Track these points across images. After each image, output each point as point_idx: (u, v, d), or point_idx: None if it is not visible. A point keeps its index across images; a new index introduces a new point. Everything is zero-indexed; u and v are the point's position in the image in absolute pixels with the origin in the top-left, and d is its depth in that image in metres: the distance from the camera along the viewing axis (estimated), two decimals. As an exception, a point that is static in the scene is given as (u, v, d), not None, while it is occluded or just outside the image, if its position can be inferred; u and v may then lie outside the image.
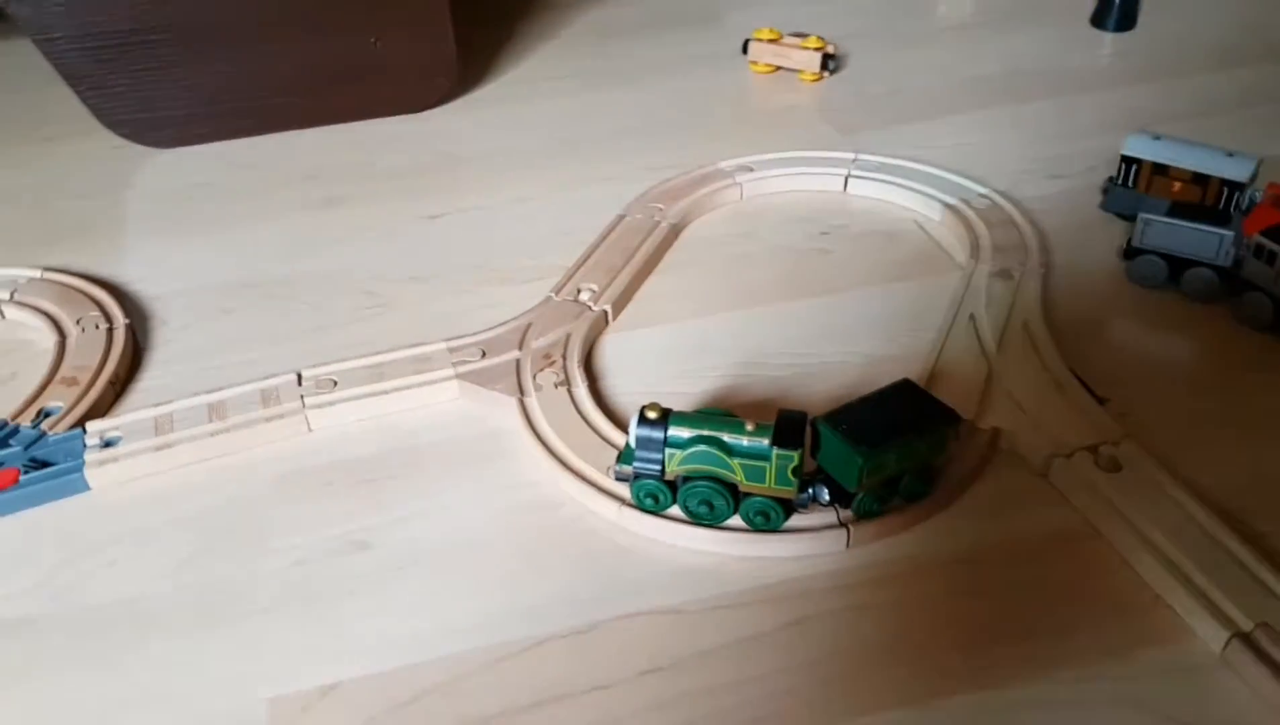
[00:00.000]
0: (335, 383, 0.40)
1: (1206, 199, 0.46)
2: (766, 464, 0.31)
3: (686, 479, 0.32)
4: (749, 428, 0.32)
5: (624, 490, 0.34)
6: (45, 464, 0.37)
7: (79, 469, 0.37)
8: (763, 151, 0.55)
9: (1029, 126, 0.58)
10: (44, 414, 0.40)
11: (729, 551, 0.33)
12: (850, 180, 0.53)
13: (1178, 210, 0.43)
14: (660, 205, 0.51)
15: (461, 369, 0.40)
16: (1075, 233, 0.48)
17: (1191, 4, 0.72)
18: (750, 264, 0.48)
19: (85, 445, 0.38)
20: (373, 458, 0.38)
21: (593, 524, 0.34)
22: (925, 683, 0.29)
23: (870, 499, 0.32)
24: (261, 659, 0.30)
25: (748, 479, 0.32)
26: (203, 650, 0.31)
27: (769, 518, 0.33)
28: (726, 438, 0.32)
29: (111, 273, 0.50)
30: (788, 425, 0.32)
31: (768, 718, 0.28)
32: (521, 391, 0.39)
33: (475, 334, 0.43)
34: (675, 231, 0.50)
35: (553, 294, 0.45)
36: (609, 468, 0.35)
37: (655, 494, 0.33)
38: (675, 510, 0.33)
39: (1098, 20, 0.70)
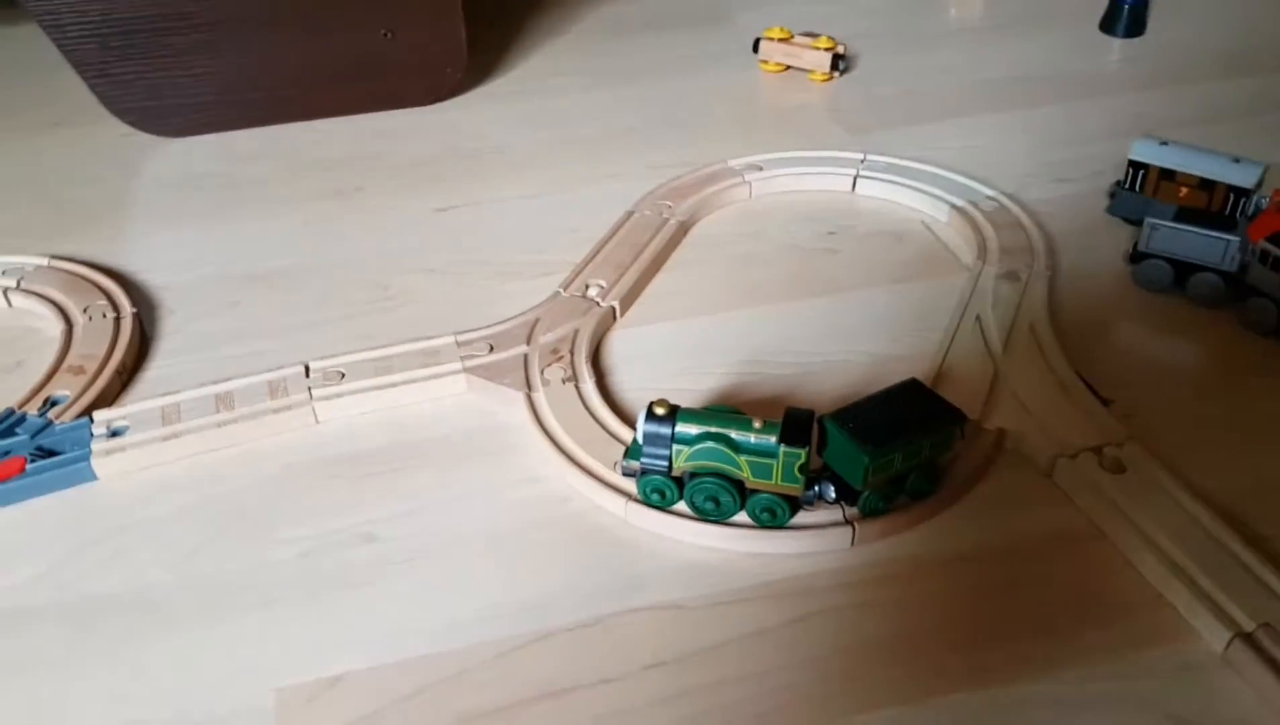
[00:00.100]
0: (343, 375, 0.40)
1: (1213, 204, 0.46)
2: (773, 461, 0.31)
3: (693, 475, 0.33)
4: (756, 425, 0.32)
5: (631, 485, 0.34)
6: (52, 453, 0.37)
7: (86, 458, 0.37)
8: (772, 150, 0.55)
9: (1037, 130, 0.58)
10: (51, 403, 0.40)
11: (735, 548, 0.33)
12: (859, 180, 0.53)
13: (1184, 215, 0.43)
14: (669, 202, 0.51)
15: (469, 363, 0.40)
16: (1082, 236, 0.48)
17: (1201, 11, 0.72)
18: (758, 262, 0.48)
19: (92, 434, 0.38)
20: (379, 450, 0.38)
21: (599, 519, 0.34)
22: (928, 680, 0.29)
23: (876, 497, 0.33)
24: (268, 650, 0.31)
25: (754, 476, 0.32)
26: (209, 641, 0.31)
27: (775, 514, 0.33)
28: (734, 434, 0.32)
29: (118, 261, 0.50)
30: (795, 423, 0.32)
31: (771, 713, 0.28)
32: (529, 386, 0.39)
33: (483, 328, 0.43)
34: (684, 229, 0.50)
35: (561, 289, 0.45)
36: (616, 463, 0.35)
37: (662, 489, 0.33)
38: (682, 506, 0.34)
39: (1107, 26, 0.70)
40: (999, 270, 0.45)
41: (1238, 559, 0.31)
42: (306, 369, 0.40)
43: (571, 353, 0.41)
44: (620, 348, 0.43)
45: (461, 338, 0.42)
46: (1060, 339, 0.40)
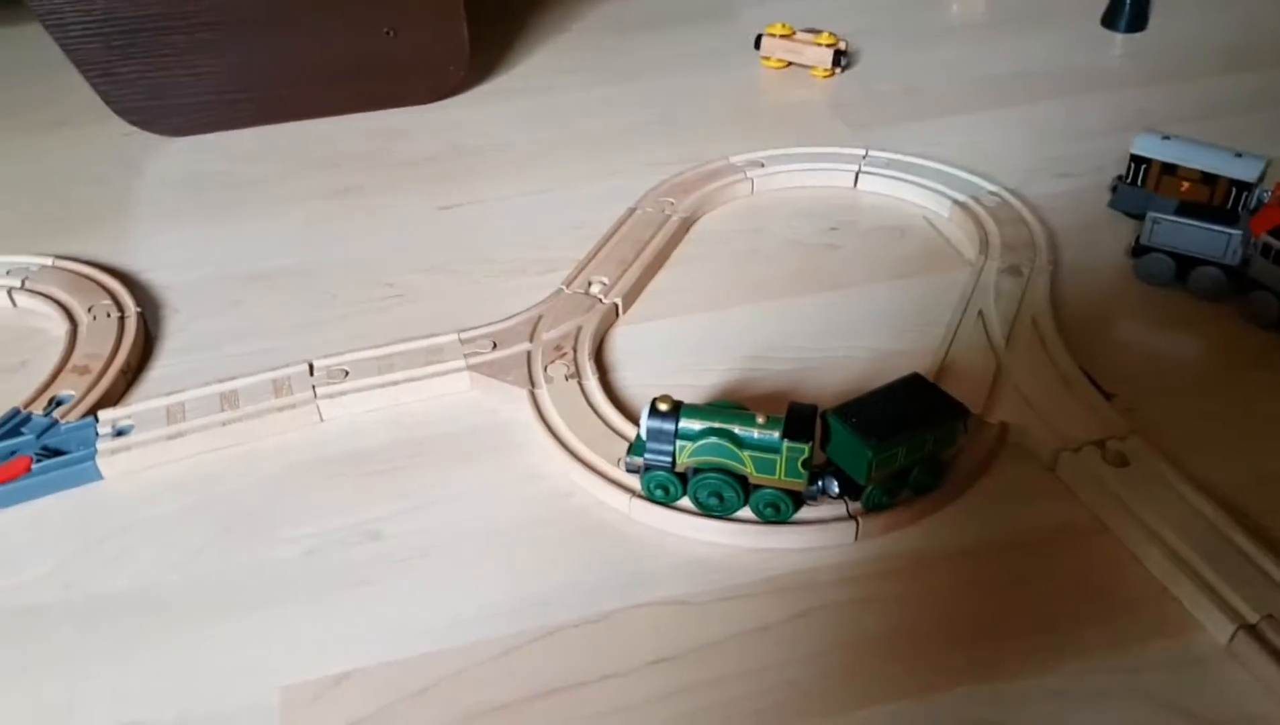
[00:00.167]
0: (347, 373, 0.40)
1: (1215, 199, 0.46)
2: (777, 456, 0.32)
3: (697, 471, 0.33)
4: (759, 420, 0.32)
5: (634, 482, 0.34)
6: (57, 452, 0.37)
7: (91, 457, 0.37)
8: (774, 147, 0.55)
9: (1039, 125, 0.58)
10: (56, 402, 0.40)
11: (738, 543, 0.33)
12: (861, 176, 0.53)
13: (1186, 209, 0.43)
14: (671, 199, 0.51)
15: (473, 360, 0.41)
16: (1084, 231, 0.48)
17: (1202, 6, 0.72)
18: (760, 258, 0.48)
19: (97, 434, 0.38)
20: (384, 448, 0.38)
21: (603, 515, 0.34)
22: (932, 675, 0.29)
23: (879, 492, 0.33)
24: (273, 648, 0.31)
25: (758, 471, 0.32)
26: (214, 639, 0.31)
27: (779, 510, 0.33)
28: (737, 430, 0.32)
29: (122, 261, 0.50)
30: (798, 418, 0.32)
31: (774, 708, 0.28)
32: (533, 383, 0.39)
33: (486, 325, 0.43)
34: (686, 225, 0.50)
35: (564, 286, 0.45)
36: (620, 459, 0.35)
37: (666, 485, 0.33)
38: (685, 502, 0.34)
39: (1109, 21, 0.70)
40: (1001, 265, 0.45)
41: (1241, 551, 0.31)
42: (311, 367, 0.41)
43: (574, 349, 0.41)
44: (623, 344, 0.43)
45: (465, 335, 0.42)
46: (1062, 333, 0.40)
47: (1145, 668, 0.29)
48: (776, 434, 0.31)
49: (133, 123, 0.60)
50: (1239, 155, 0.45)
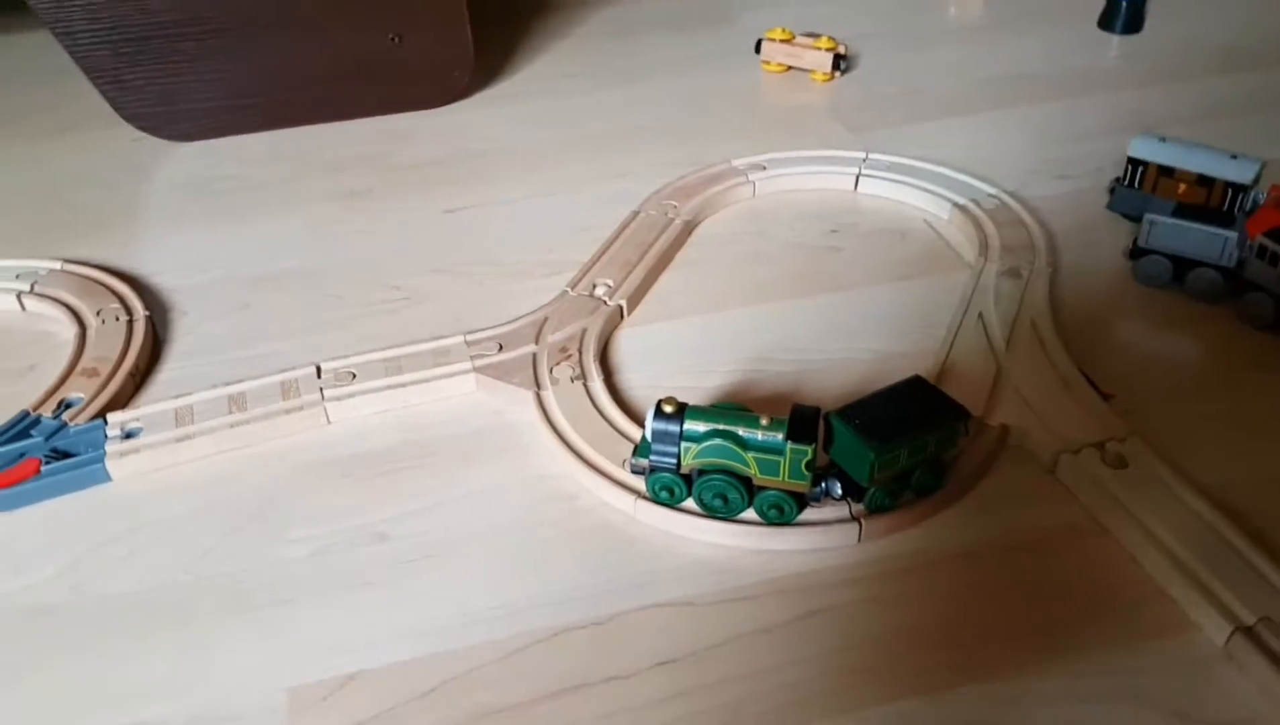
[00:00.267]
0: (354, 375, 0.41)
1: (1211, 201, 0.46)
2: (780, 458, 0.32)
3: (701, 472, 0.33)
4: (764, 422, 0.32)
5: (639, 483, 0.35)
6: (66, 455, 0.38)
7: (100, 460, 0.37)
8: (775, 150, 0.55)
9: (1037, 127, 0.58)
10: (65, 405, 0.40)
11: (743, 544, 0.33)
12: (861, 179, 0.53)
13: (1183, 211, 0.44)
14: (674, 202, 0.52)
15: (479, 362, 0.41)
16: (1082, 233, 0.49)
17: (1198, 8, 0.72)
18: (762, 261, 0.49)
19: (106, 436, 0.38)
20: (391, 450, 0.38)
21: (608, 516, 0.35)
22: (933, 675, 0.29)
23: (882, 493, 0.33)
24: (281, 649, 0.31)
25: (762, 473, 0.32)
26: (223, 640, 0.31)
27: (782, 511, 0.33)
28: (741, 432, 0.32)
29: (131, 265, 0.50)
30: (802, 420, 0.32)
31: (779, 708, 0.29)
32: (538, 385, 0.40)
33: (492, 327, 0.43)
34: (689, 228, 0.51)
35: (569, 289, 0.45)
36: (625, 460, 0.35)
37: (670, 487, 0.34)
38: (690, 503, 0.34)
39: (1105, 23, 0.70)
40: (1001, 267, 0.45)
41: (1238, 553, 0.31)
42: (318, 370, 0.41)
43: (580, 351, 0.41)
44: (627, 346, 0.43)
45: (471, 337, 0.42)
46: (1062, 335, 0.41)
47: (1143, 669, 0.29)
48: (780, 436, 0.32)
49: (141, 128, 0.61)
50: (1235, 157, 0.46)
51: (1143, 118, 0.58)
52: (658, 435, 0.33)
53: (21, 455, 0.37)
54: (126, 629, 0.32)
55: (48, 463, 0.37)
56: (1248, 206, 0.45)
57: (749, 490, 0.33)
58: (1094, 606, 0.31)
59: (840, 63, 0.64)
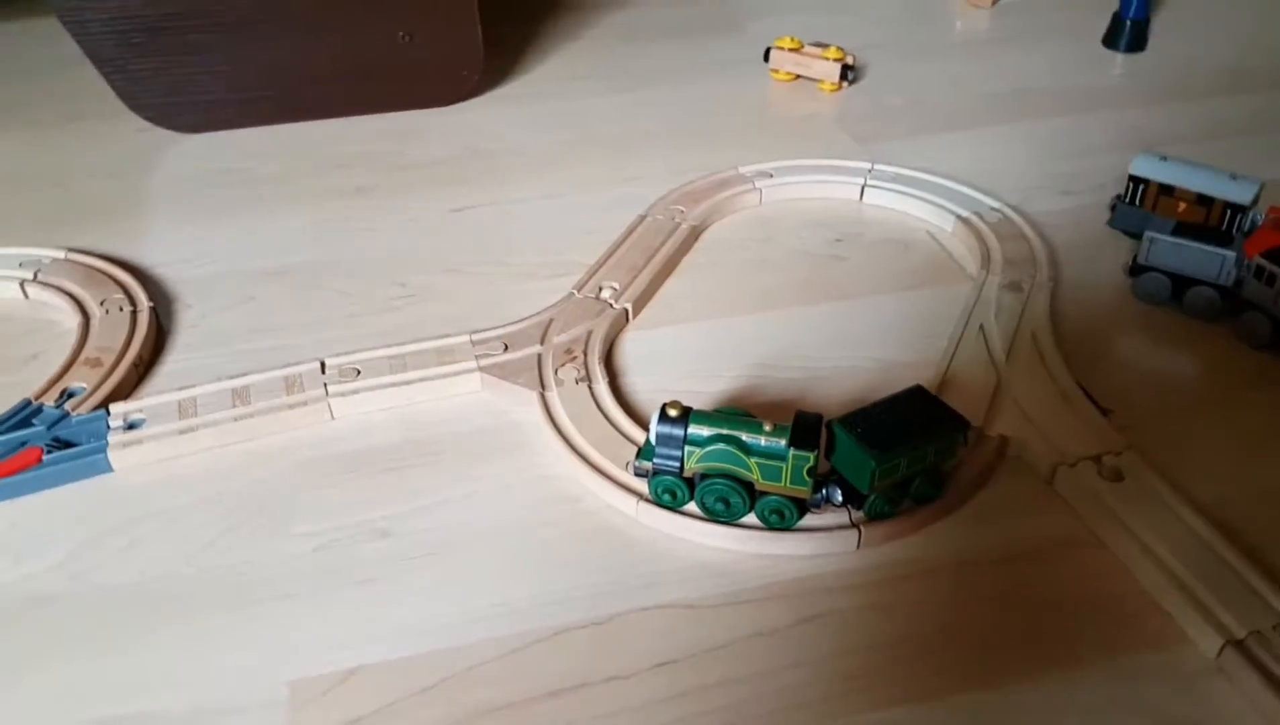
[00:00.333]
0: (358, 372, 0.41)
1: (1210, 220, 0.47)
2: (783, 464, 0.32)
3: (704, 476, 0.33)
4: (767, 428, 0.32)
5: (642, 485, 0.35)
6: (68, 444, 0.38)
7: (102, 450, 0.37)
8: (782, 158, 0.56)
9: (1041, 142, 0.59)
10: (67, 394, 0.40)
11: (744, 548, 0.34)
12: (866, 189, 0.54)
13: (1182, 230, 0.44)
14: (681, 207, 0.52)
15: (484, 362, 0.41)
16: (1083, 248, 0.49)
17: (1201, 28, 0.73)
18: (768, 268, 0.49)
19: (109, 427, 0.38)
20: (394, 447, 0.38)
21: (611, 518, 0.35)
22: (929, 681, 0.30)
23: (882, 501, 0.33)
24: (282, 643, 0.31)
25: (764, 478, 0.33)
26: (224, 633, 0.31)
27: (783, 516, 0.33)
28: (745, 437, 0.32)
29: (135, 255, 0.50)
30: (804, 427, 0.33)
31: (777, 712, 0.29)
32: (543, 386, 0.40)
33: (498, 327, 0.43)
34: (695, 233, 0.51)
35: (575, 291, 0.46)
36: (628, 463, 0.36)
37: (673, 490, 0.34)
38: (692, 507, 0.34)
39: (1109, 41, 0.71)
40: (1002, 280, 0.46)
41: (1231, 567, 0.32)
42: (323, 365, 0.41)
43: (585, 353, 0.41)
44: (632, 349, 0.43)
45: (476, 337, 0.43)
46: (1061, 349, 0.41)
47: (1135, 679, 0.29)
48: (784, 442, 0.32)
49: (149, 119, 0.61)
50: (1234, 177, 0.46)
51: (1145, 136, 0.58)
52: (662, 438, 0.33)
53: (23, 444, 0.37)
54: (127, 620, 0.32)
55: (49, 452, 0.37)
56: (1246, 227, 0.46)
57: (751, 495, 0.33)
58: (1088, 617, 0.31)
59: (848, 73, 0.65)
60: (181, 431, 0.38)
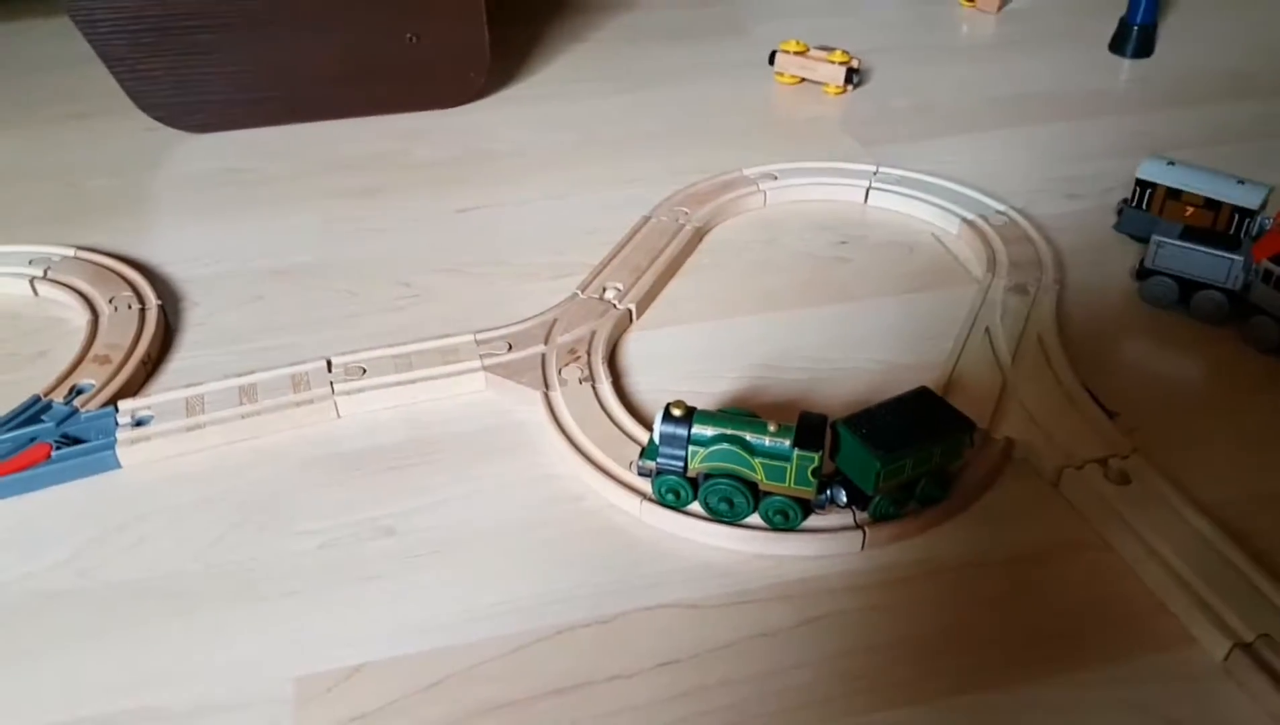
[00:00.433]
0: (364, 370, 0.41)
1: (1218, 224, 0.47)
2: (787, 464, 0.32)
3: (708, 476, 0.33)
4: (771, 428, 0.32)
5: (646, 485, 0.35)
6: (77, 441, 0.38)
7: (110, 447, 0.37)
8: (786, 160, 0.56)
9: (1047, 146, 0.59)
10: (76, 391, 0.40)
11: (747, 549, 0.34)
12: (871, 192, 0.54)
13: (1189, 234, 0.44)
14: (685, 208, 0.52)
15: (488, 361, 0.41)
16: (1090, 252, 0.49)
17: (1208, 33, 0.73)
18: (771, 269, 0.49)
19: (117, 423, 0.38)
20: (399, 445, 0.38)
21: (614, 518, 0.35)
22: (934, 682, 0.30)
23: (886, 502, 0.33)
24: (288, 639, 0.31)
25: (768, 478, 0.33)
26: (229, 629, 0.32)
27: (788, 517, 0.33)
28: (749, 437, 0.32)
29: (144, 254, 0.51)
30: (809, 427, 0.33)
31: (780, 712, 0.29)
32: (546, 385, 0.40)
33: (502, 327, 0.43)
34: (699, 235, 0.51)
35: (579, 291, 0.46)
36: (632, 463, 0.36)
37: (677, 490, 0.34)
38: (696, 507, 0.34)
39: (1116, 46, 0.71)
40: (1008, 283, 0.46)
41: (1238, 570, 0.31)
42: (329, 364, 0.41)
43: (588, 353, 0.42)
44: (636, 349, 0.44)
45: (480, 336, 0.43)
46: (1067, 351, 0.41)
47: (1142, 682, 0.29)
48: (788, 442, 0.32)
49: (157, 118, 0.61)
50: (1242, 182, 0.46)
51: (1151, 140, 0.58)
52: (666, 438, 0.33)
53: (32, 440, 0.38)
54: (134, 615, 0.32)
55: (58, 448, 0.37)
56: (1254, 231, 0.46)
57: (754, 495, 0.33)
58: (1094, 619, 0.31)
59: (853, 76, 0.65)
60: (189, 428, 0.38)
